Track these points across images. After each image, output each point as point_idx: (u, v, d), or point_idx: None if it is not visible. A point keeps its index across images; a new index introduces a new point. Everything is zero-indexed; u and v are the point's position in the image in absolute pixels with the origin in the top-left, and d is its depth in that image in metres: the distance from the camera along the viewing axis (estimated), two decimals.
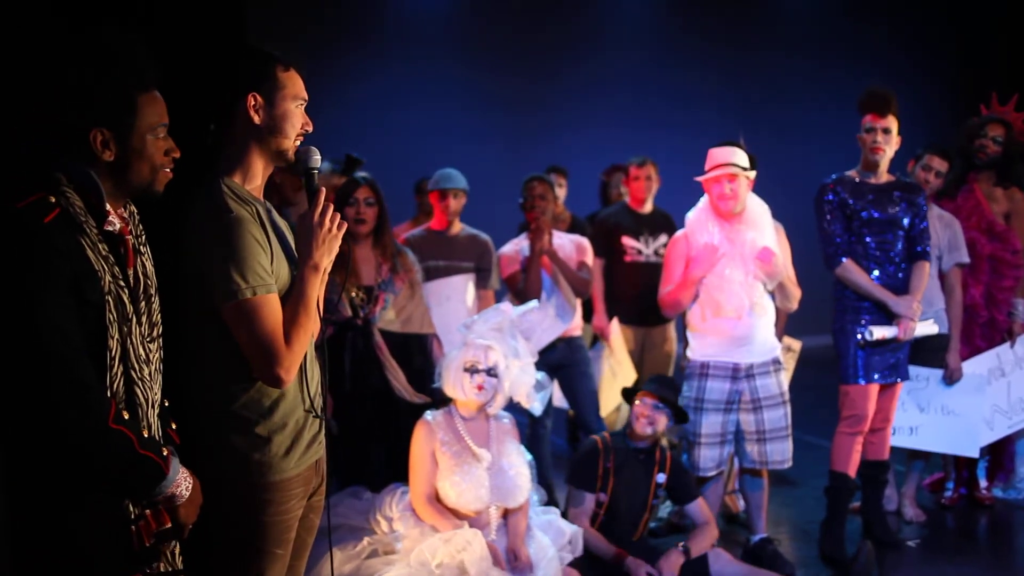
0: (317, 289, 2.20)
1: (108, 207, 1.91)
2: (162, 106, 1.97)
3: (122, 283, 1.90)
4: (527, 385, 3.85)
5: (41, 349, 1.76)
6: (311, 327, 2.19)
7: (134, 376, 1.90)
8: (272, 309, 2.12)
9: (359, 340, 4.07)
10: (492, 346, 3.74)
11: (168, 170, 1.98)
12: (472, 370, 3.71)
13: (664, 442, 5.14)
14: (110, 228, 1.91)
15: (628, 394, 4.20)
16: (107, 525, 1.88)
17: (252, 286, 2.09)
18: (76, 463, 1.83)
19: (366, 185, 4.13)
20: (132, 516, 1.91)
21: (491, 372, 3.71)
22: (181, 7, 3.04)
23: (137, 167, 1.92)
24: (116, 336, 1.86)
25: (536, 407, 4.02)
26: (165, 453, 1.92)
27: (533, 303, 4.02)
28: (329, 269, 2.31)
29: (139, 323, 1.94)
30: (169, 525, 1.95)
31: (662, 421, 4.04)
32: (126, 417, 1.85)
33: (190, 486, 1.98)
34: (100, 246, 1.87)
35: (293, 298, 2.17)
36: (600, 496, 4.03)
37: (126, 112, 1.90)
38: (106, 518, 1.88)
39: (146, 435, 1.89)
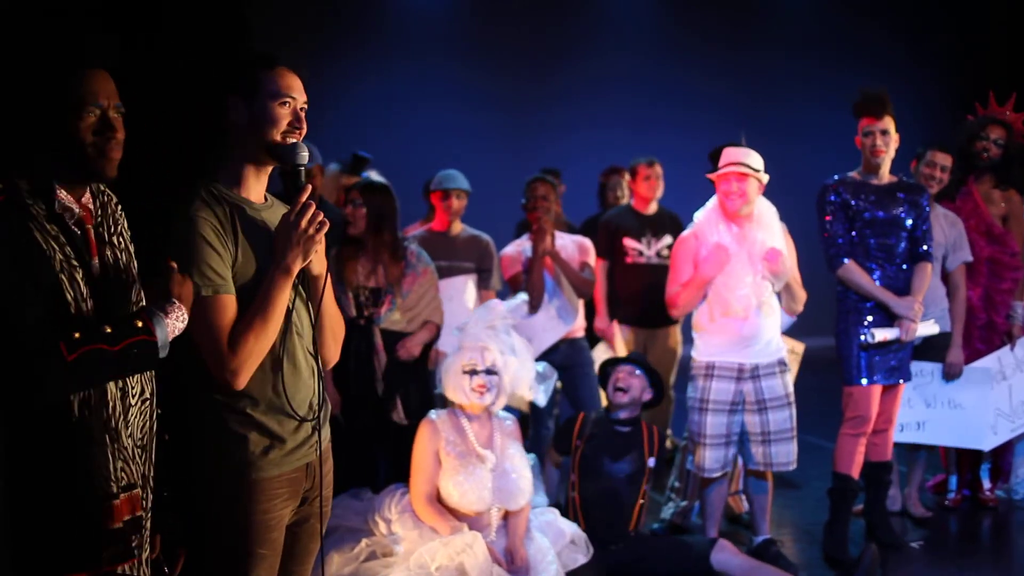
0: (285, 291, 2.17)
1: (61, 191, 1.91)
2: (95, 85, 1.92)
3: (75, 263, 1.89)
4: (527, 380, 3.88)
5: None
6: (271, 330, 2.16)
7: None
8: (219, 309, 2.12)
9: (362, 342, 4.07)
10: (488, 345, 3.75)
11: (112, 153, 1.94)
12: (472, 372, 3.72)
13: (669, 444, 5.15)
14: (63, 213, 1.91)
15: (603, 368, 4.30)
16: (79, 505, 1.88)
17: (198, 286, 2.09)
18: (49, 444, 1.84)
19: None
20: (103, 495, 1.90)
21: (491, 371, 3.72)
22: (183, 10, 3.03)
23: (61, 148, 1.91)
24: (76, 314, 1.86)
25: (540, 398, 4.03)
26: (140, 325, 1.90)
27: (522, 296, 4.06)
28: (323, 270, 2.30)
29: (101, 312, 1.93)
30: (119, 526, 1.94)
31: (637, 386, 4.14)
32: (78, 336, 1.82)
33: (183, 312, 1.98)
34: (49, 227, 1.87)
35: (257, 299, 2.15)
36: (571, 476, 4.09)
37: (52, 89, 1.89)
38: (78, 497, 1.88)
39: (109, 330, 1.86)
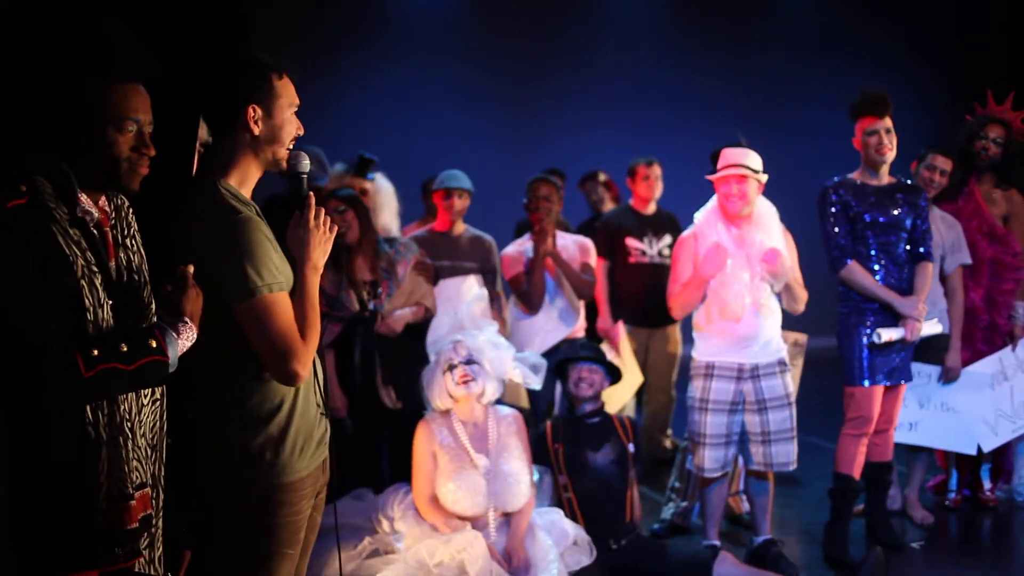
0: (317, 288, 2.24)
1: (82, 195, 1.92)
2: (135, 101, 1.94)
3: (95, 268, 1.90)
4: (507, 359, 3.90)
5: (7, 332, 1.80)
6: (319, 326, 2.23)
7: None
8: (287, 306, 2.16)
9: (367, 333, 4.10)
10: (458, 339, 3.81)
11: (142, 169, 1.97)
12: (451, 367, 3.73)
13: (669, 444, 5.14)
14: (84, 216, 1.92)
15: (560, 367, 4.32)
16: (61, 516, 1.89)
17: (268, 283, 2.12)
18: (53, 444, 1.86)
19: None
20: (118, 495, 1.92)
21: (469, 360, 3.75)
22: (184, 10, 3.03)
23: (95, 158, 1.92)
24: (93, 320, 1.88)
25: (534, 383, 4.04)
26: (155, 344, 1.92)
27: (484, 292, 4.15)
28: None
29: (116, 314, 1.95)
30: (135, 526, 1.95)
31: (598, 380, 4.22)
32: (96, 353, 1.84)
33: (191, 329, 2.00)
34: (72, 231, 1.88)
35: (299, 297, 2.21)
36: (560, 478, 4.11)
37: (90, 99, 1.90)
38: (94, 497, 1.89)
39: (125, 348, 1.88)
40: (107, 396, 1.89)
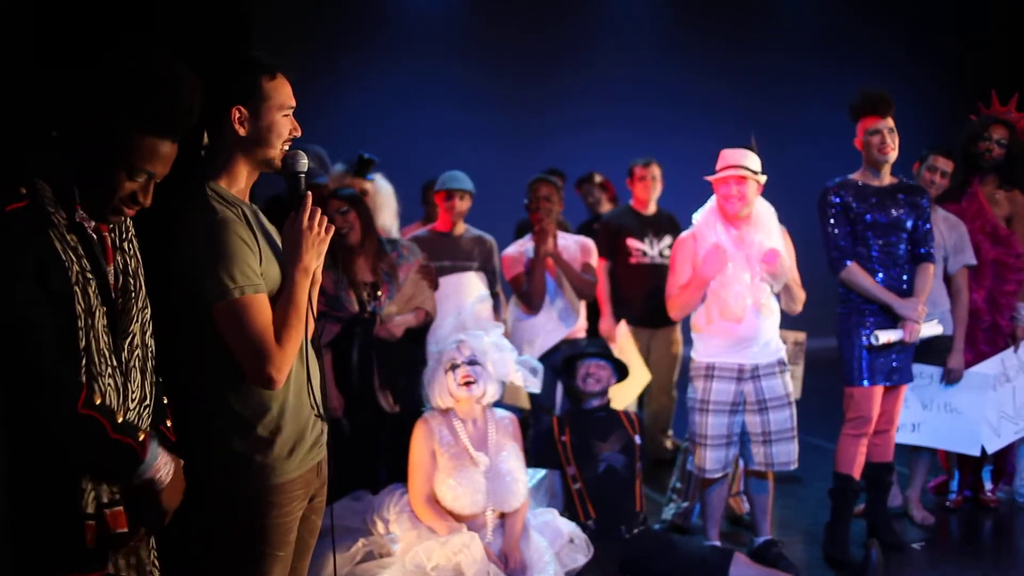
0: (307, 291, 2.21)
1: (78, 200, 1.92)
2: (159, 155, 1.93)
3: (89, 274, 1.90)
4: (510, 361, 3.89)
5: (5, 336, 1.78)
6: (302, 329, 2.20)
7: (94, 371, 1.90)
8: (261, 308, 2.13)
9: (365, 335, 4.09)
10: (461, 339, 3.80)
11: (128, 211, 1.96)
12: (453, 367, 3.72)
13: (670, 444, 5.13)
14: (83, 221, 1.91)
15: (568, 363, 4.37)
16: (61, 518, 1.88)
17: (240, 285, 2.10)
18: (51, 449, 1.85)
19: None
20: (88, 513, 1.90)
21: (472, 361, 3.74)
22: (184, 10, 3.02)
23: (91, 186, 1.91)
24: (83, 327, 1.87)
25: (534, 386, 4.04)
26: (141, 438, 1.92)
27: (487, 292, 4.19)
28: (319, 278, 2.32)
29: (110, 319, 1.94)
30: (124, 530, 1.94)
31: (605, 376, 4.29)
32: (98, 402, 1.85)
33: (171, 471, 1.98)
34: (69, 237, 1.87)
35: (283, 300, 2.18)
36: (569, 469, 4.12)
37: (115, 140, 1.89)
38: (61, 511, 1.88)
39: (119, 419, 1.88)
40: (76, 452, 1.86)
